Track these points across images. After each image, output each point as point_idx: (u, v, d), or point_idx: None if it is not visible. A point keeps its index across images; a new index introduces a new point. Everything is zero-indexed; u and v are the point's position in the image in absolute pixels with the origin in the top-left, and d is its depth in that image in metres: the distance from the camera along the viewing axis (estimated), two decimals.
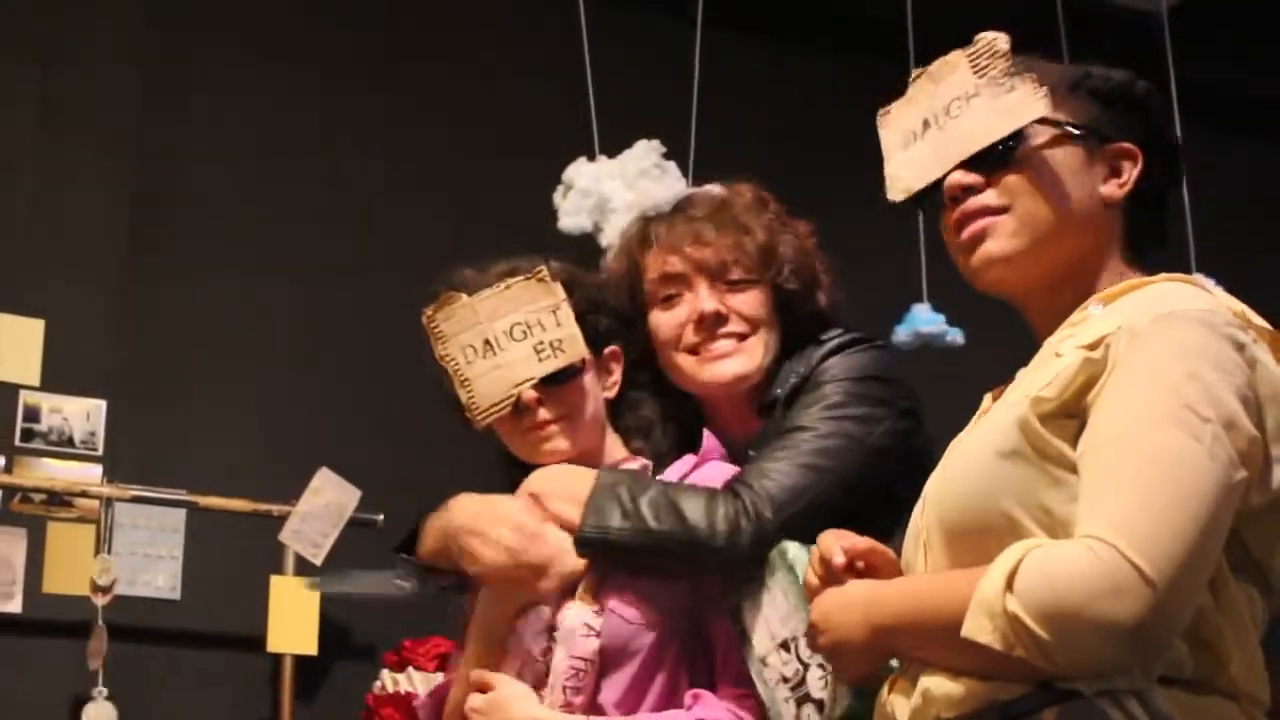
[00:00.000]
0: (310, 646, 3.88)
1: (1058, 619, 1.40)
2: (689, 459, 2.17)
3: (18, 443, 3.90)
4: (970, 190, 1.72)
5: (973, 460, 1.60)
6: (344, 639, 4.07)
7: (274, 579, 3.89)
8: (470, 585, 2.15)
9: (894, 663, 1.67)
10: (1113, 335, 1.54)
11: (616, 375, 2.25)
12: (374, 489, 3.89)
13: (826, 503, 2.00)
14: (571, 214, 3.22)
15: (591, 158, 3.66)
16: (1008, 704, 1.49)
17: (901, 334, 3.94)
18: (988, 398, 1.77)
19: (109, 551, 3.75)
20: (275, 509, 3.89)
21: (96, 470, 3.93)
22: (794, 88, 4.95)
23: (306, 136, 4.37)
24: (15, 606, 3.81)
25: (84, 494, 3.83)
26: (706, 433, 2.19)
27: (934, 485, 1.67)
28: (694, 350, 2.21)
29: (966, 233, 1.72)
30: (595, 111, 3.82)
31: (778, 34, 4.96)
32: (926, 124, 1.78)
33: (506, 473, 2.23)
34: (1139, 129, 1.73)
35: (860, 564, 1.71)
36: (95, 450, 3.96)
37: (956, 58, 1.78)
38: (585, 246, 3.31)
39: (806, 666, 1.85)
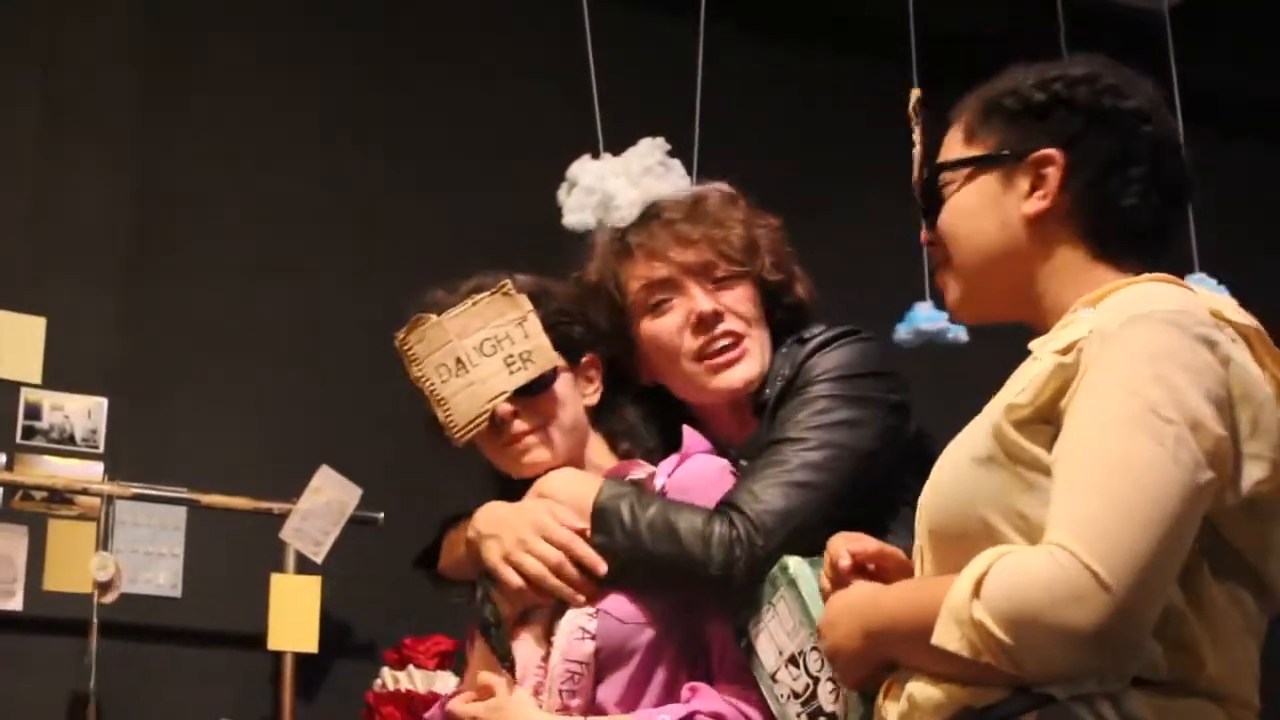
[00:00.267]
0: (311, 644, 3.87)
1: (1021, 625, 1.41)
2: (674, 459, 2.16)
3: (19, 440, 3.91)
4: (934, 245, 1.79)
5: (953, 468, 1.62)
6: (345, 637, 4.07)
7: (275, 577, 3.89)
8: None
9: None
10: (1085, 340, 1.54)
11: (597, 382, 2.25)
12: (375, 487, 3.89)
13: (820, 520, 1.98)
14: (575, 211, 3.21)
15: (596, 155, 3.66)
16: (983, 710, 1.50)
17: (903, 332, 3.94)
18: None
19: (109, 549, 3.75)
20: (276, 507, 3.89)
21: (97, 468, 3.93)
22: (797, 87, 4.95)
23: (306, 136, 4.37)
24: (16, 604, 3.81)
25: (85, 491, 3.83)
26: (686, 429, 2.18)
27: (924, 492, 1.68)
28: (699, 357, 2.19)
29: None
30: (599, 110, 3.82)
31: (780, 33, 4.96)
32: None
33: (498, 492, 2.23)
34: (1057, 130, 1.70)
35: (871, 566, 1.72)
36: (96, 448, 3.97)
37: None
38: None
39: (816, 680, 1.85)
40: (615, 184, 3.26)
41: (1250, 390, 1.53)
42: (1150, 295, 1.57)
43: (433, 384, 2.15)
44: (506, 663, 2.07)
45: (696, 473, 2.11)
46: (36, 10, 4.14)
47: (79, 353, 3.96)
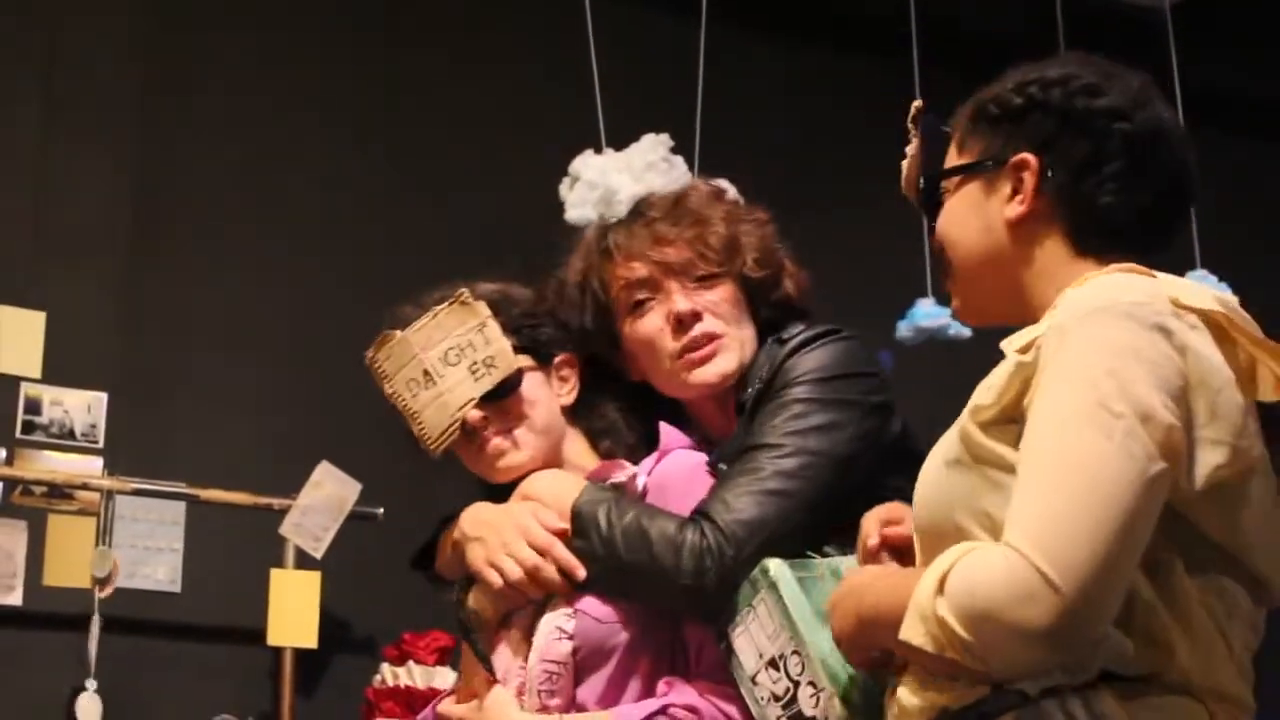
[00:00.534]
0: (310, 640, 3.88)
1: (980, 624, 1.43)
2: (654, 457, 2.15)
3: (19, 435, 3.91)
4: (941, 251, 1.82)
5: (932, 471, 1.64)
6: (344, 632, 4.07)
7: (274, 572, 3.89)
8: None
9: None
10: (1043, 336, 1.56)
11: (573, 381, 2.24)
12: (375, 482, 3.90)
13: (793, 528, 1.97)
14: (578, 205, 3.21)
15: (598, 150, 3.66)
16: (959, 712, 1.53)
17: (904, 329, 3.95)
18: None
19: (109, 544, 3.75)
20: (276, 502, 3.90)
21: (97, 463, 3.93)
22: (798, 85, 4.95)
23: (306, 136, 4.37)
24: (16, 599, 3.81)
25: (85, 486, 3.83)
26: (663, 425, 2.16)
27: (914, 493, 1.70)
28: (678, 356, 2.17)
29: None
30: (601, 105, 3.82)
31: (782, 31, 4.96)
32: None
33: (485, 491, 2.22)
34: (1032, 133, 1.71)
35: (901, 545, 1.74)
36: (96, 443, 3.97)
37: None
38: None
39: (796, 684, 1.84)
40: (618, 179, 3.26)
41: (1207, 377, 1.53)
42: (1108, 287, 1.58)
43: (405, 400, 2.16)
44: (485, 664, 2.08)
45: (673, 470, 2.10)
46: (36, 10, 4.15)
47: (79, 348, 3.96)
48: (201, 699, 3.87)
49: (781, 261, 2.25)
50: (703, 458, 2.13)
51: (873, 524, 1.78)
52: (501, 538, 2.07)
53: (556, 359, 2.23)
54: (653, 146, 3.40)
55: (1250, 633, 1.59)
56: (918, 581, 1.51)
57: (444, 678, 3.74)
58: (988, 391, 1.58)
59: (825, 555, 1.95)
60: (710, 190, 2.29)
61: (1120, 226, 1.68)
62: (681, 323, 2.15)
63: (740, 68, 4.68)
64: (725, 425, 2.21)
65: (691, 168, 3.78)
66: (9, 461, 3.88)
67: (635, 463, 2.16)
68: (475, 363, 2.14)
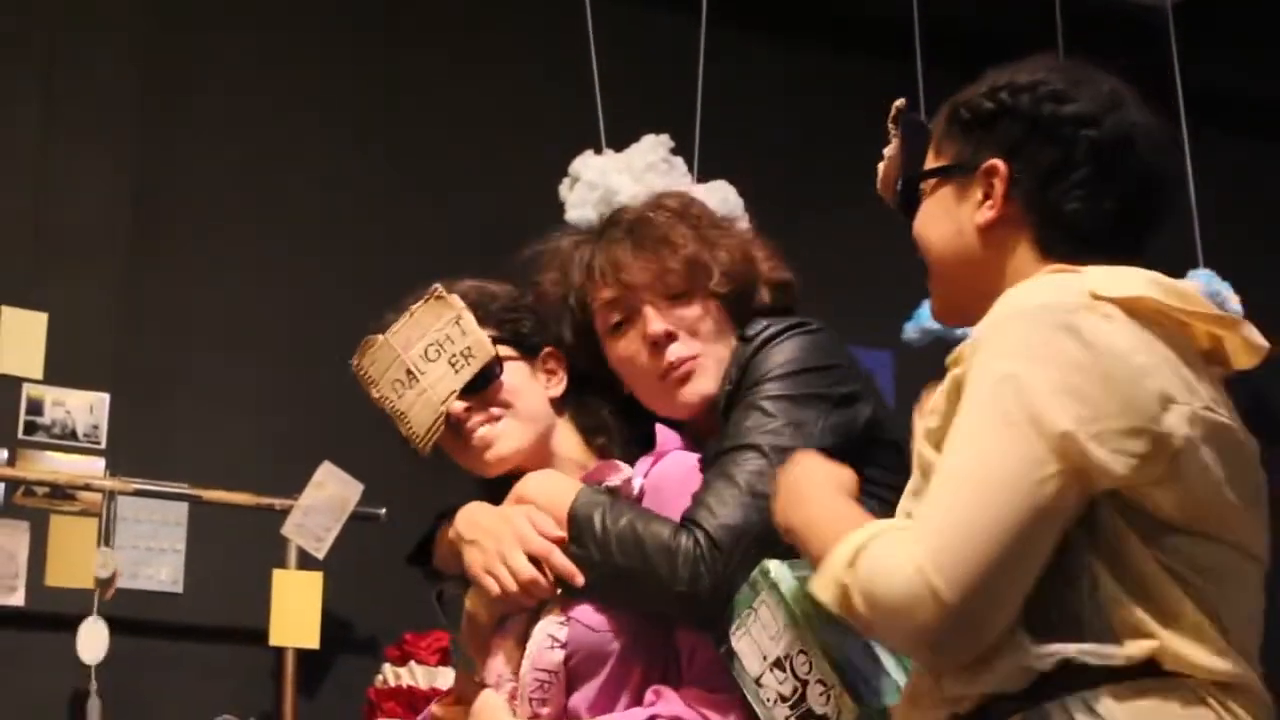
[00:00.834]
0: (312, 640, 3.88)
1: (875, 610, 1.53)
2: (649, 459, 2.14)
3: (21, 436, 3.91)
4: None
5: (900, 511, 1.69)
6: (346, 633, 4.08)
7: (276, 572, 3.89)
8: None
9: (889, 702, 1.76)
10: (967, 347, 1.60)
11: (560, 373, 2.23)
12: (376, 483, 3.89)
13: (774, 530, 1.96)
14: (578, 206, 3.23)
15: (599, 151, 3.67)
16: (964, 716, 1.57)
17: (911, 331, 3.94)
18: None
19: (111, 545, 3.76)
20: (278, 503, 3.90)
21: (99, 463, 3.93)
22: (798, 85, 4.95)
23: (306, 136, 4.37)
24: (18, 600, 3.82)
25: (87, 487, 3.84)
26: (659, 427, 2.15)
27: None
28: (660, 376, 2.14)
29: None
30: (601, 106, 3.83)
31: (782, 32, 4.96)
32: None
33: (482, 488, 2.22)
34: (1003, 139, 1.72)
35: None
36: (98, 443, 3.97)
37: None
38: None
39: (805, 683, 1.84)
40: (618, 179, 3.28)
41: (1114, 369, 1.53)
42: (1024, 291, 1.61)
43: (392, 402, 2.17)
44: (472, 669, 2.08)
45: (669, 472, 2.09)
46: (37, 10, 4.15)
47: (81, 348, 3.97)
48: (203, 699, 3.87)
49: (754, 273, 2.22)
50: (697, 459, 2.13)
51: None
52: (499, 545, 2.06)
53: (542, 351, 2.23)
54: (653, 147, 3.42)
55: (1243, 593, 1.59)
56: (843, 527, 1.61)
57: (446, 678, 3.74)
58: (933, 415, 1.63)
59: None
60: (678, 205, 2.24)
61: (1087, 232, 1.69)
62: (656, 344, 2.13)
63: (740, 68, 4.69)
64: (715, 426, 2.21)
65: (691, 168, 3.80)
66: (11, 462, 3.88)
67: (630, 461, 2.15)
68: (454, 355, 2.14)
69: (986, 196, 1.72)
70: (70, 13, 4.18)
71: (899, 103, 2.02)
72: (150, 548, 3.96)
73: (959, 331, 3.92)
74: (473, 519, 2.12)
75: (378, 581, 3.86)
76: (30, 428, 3.92)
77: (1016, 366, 1.53)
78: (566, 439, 2.21)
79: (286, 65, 4.42)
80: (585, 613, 2.02)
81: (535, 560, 2.04)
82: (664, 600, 1.97)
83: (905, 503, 1.67)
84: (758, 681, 1.89)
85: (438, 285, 2.19)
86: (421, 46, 4.58)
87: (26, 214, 4.01)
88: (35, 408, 3.93)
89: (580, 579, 2.02)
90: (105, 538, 3.76)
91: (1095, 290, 1.58)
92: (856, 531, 1.59)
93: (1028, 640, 1.52)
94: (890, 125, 2.02)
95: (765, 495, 1.94)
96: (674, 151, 3.70)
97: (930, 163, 1.81)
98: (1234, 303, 4.13)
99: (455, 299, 2.18)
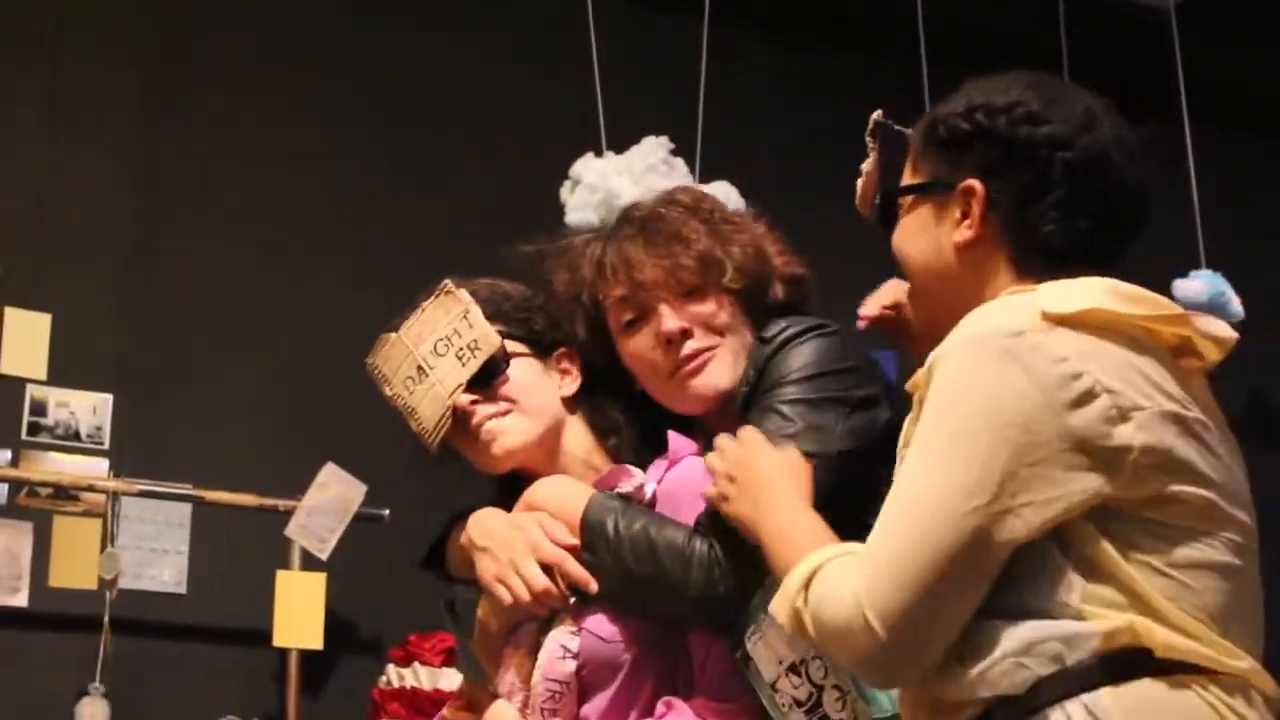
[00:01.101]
0: (316, 641, 3.88)
1: (821, 634, 1.61)
2: (662, 463, 2.13)
3: (24, 436, 3.91)
4: None
5: None
6: (350, 634, 4.08)
7: (280, 573, 3.89)
8: None
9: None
10: (922, 374, 1.63)
11: (574, 373, 2.22)
12: (380, 484, 3.90)
13: None
14: (579, 209, 3.23)
15: (599, 154, 3.67)
16: None
17: None
18: None
19: (114, 545, 3.76)
20: (281, 503, 3.90)
21: (103, 464, 3.94)
22: (800, 85, 4.95)
23: (307, 136, 4.37)
24: (21, 600, 3.82)
25: (90, 488, 3.84)
26: (671, 434, 2.13)
27: None
28: (672, 373, 2.13)
29: None
30: (602, 108, 3.83)
31: (784, 31, 4.96)
32: None
33: (495, 492, 2.22)
34: (978, 160, 1.73)
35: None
36: (101, 444, 3.97)
37: None
38: None
39: (820, 688, 1.84)
40: (618, 182, 3.28)
41: (1057, 392, 1.54)
42: (973, 319, 1.63)
43: (404, 399, 2.17)
44: (482, 677, 2.08)
45: (682, 478, 2.07)
46: (37, 10, 4.15)
47: (84, 349, 3.97)
48: (207, 700, 3.87)
49: (768, 267, 2.21)
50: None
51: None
52: (511, 553, 2.05)
53: (556, 350, 2.23)
54: (653, 149, 3.42)
55: (1238, 586, 1.59)
56: (803, 548, 1.66)
57: (450, 679, 3.74)
58: (904, 446, 1.67)
59: None
60: (690, 201, 2.24)
61: (1063, 251, 1.70)
62: (671, 342, 2.12)
63: (741, 68, 4.68)
64: (731, 430, 2.20)
65: (692, 168, 3.80)
66: (14, 463, 3.88)
67: (641, 463, 2.14)
68: (461, 348, 2.15)
69: (964, 216, 1.73)
70: (72, 13, 4.18)
71: (876, 115, 2.02)
72: (154, 549, 3.97)
73: None
74: (485, 526, 2.11)
75: (381, 582, 3.87)
76: (34, 428, 3.93)
77: (954, 400, 1.57)
78: (578, 438, 2.21)
79: (287, 65, 4.42)
80: (597, 623, 2.01)
81: (548, 568, 2.04)
82: (678, 605, 1.97)
83: None
84: (773, 686, 1.88)
85: (448, 281, 2.19)
86: (422, 46, 4.58)
87: (29, 215, 4.02)
88: (39, 408, 3.94)
89: (594, 586, 2.01)
90: (109, 539, 3.76)
91: (1046, 309, 1.59)
92: (814, 554, 1.65)
93: (1010, 635, 1.54)
94: (868, 139, 2.02)
95: None
96: (674, 152, 3.70)
97: (908, 178, 1.82)
98: (1236, 303, 4.13)
99: (463, 294, 2.18)
